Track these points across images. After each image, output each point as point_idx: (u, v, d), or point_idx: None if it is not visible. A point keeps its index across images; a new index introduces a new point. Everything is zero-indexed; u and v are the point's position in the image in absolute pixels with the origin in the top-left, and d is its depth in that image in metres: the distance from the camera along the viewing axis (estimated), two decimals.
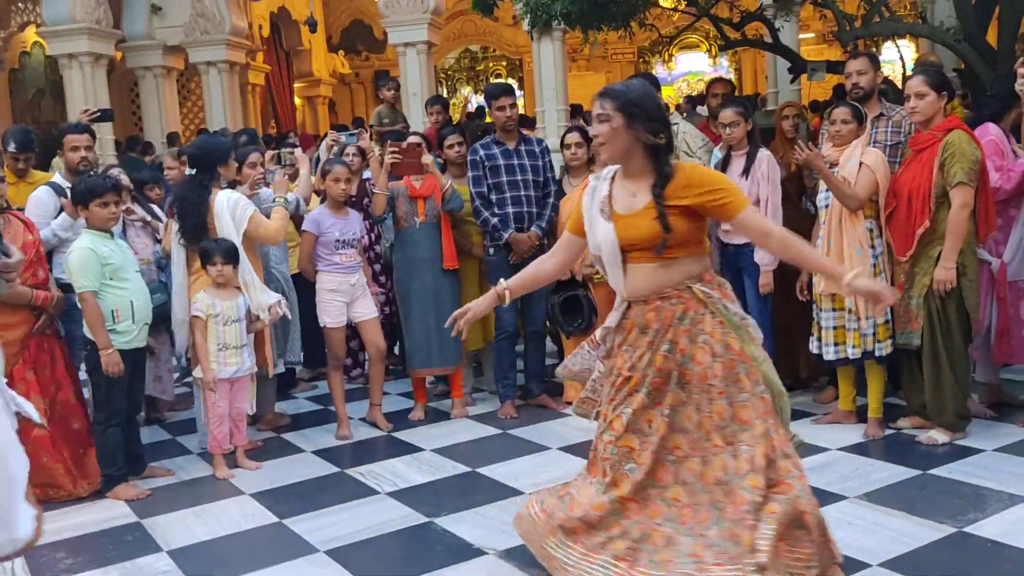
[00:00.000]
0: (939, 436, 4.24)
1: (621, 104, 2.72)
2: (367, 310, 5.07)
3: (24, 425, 4.20)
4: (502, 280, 3.02)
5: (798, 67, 8.18)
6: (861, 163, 4.32)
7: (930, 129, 4.23)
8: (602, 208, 2.79)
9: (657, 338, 2.74)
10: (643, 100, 2.74)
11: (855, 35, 6.74)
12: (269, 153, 5.73)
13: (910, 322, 4.31)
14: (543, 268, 3.07)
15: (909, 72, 5.58)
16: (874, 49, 14.40)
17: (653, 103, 2.77)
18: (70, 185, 4.73)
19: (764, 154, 4.67)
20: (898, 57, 9.47)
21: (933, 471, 3.92)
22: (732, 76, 17.86)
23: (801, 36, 12.27)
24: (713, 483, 2.68)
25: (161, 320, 5.11)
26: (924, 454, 4.15)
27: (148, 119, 12.87)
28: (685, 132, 4.74)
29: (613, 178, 2.85)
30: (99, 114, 5.62)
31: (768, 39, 8.18)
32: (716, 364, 2.71)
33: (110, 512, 4.10)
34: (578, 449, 4.56)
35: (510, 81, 17.85)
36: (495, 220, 5.11)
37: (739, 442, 2.67)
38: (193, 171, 4.66)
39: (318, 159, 6.57)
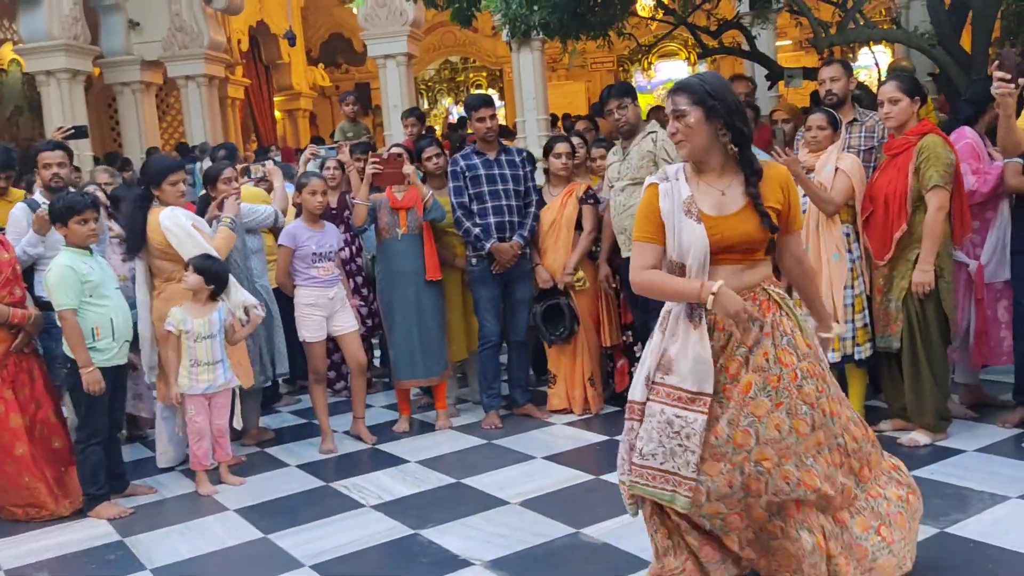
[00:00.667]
0: (920, 438, 4.27)
1: (699, 98, 2.61)
2: (347, 323, 5.05)
3: (7, 444, 4.20)
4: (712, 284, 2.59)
5: (775, 74, 8.25)
6: (837, 168, 4.36)
7: (904, 134, 4.27)
8: (688, 209, 2.62)
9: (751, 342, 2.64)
10: (721, 91, 2.62)
11: (831, 42, 6.80)
12: (239, 167, 5.72)
13: (889, 325, 4.35)
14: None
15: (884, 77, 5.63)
16: (850, 55, 14.54)
17: (731, 94, 2.64)
18: (47, 202, 4.71)
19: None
20: (873, 63, 9.57)
21: (915, 472, 3.91)
22: None
23: (778, 43, 12.38)
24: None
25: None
26: (906, 456, 4.15)
27: (127, 134, 12.80)
28: (664, 139, 4.75)
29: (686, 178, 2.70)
30: (73, 131, 5.60)
31: (745, 47, 8.24)
32: (803, 364, 2.65)
33: (92, 531, 4.06)
34: (563, 458, 4.56)
35: (490, 91, 17.92)
36: (477, 230, 5.11)
37: (835, 436, 2.68)
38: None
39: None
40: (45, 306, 4.40)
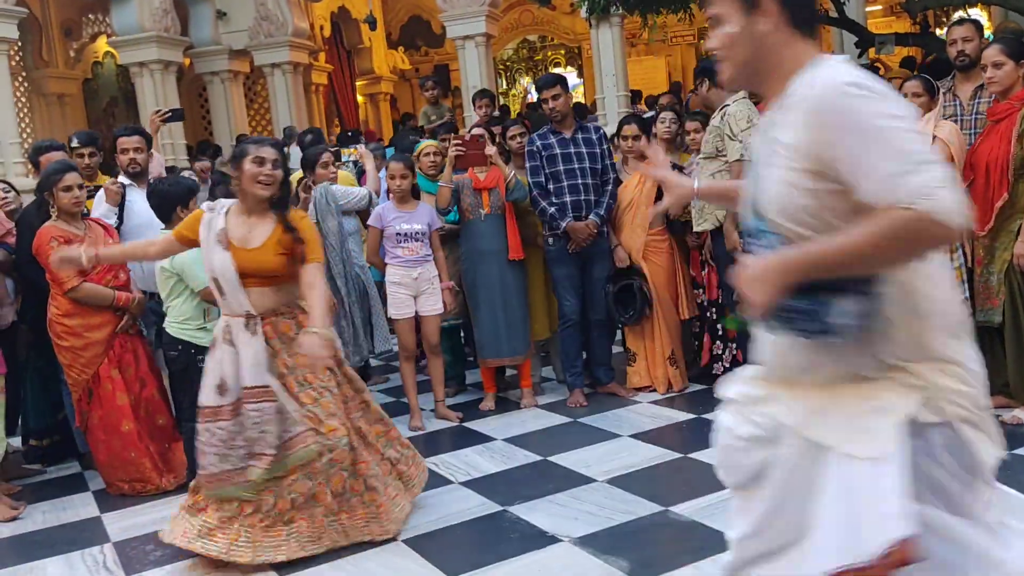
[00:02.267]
0: None
1: None
2: (429, 306, 5.10)
3: (114, 422, 4.39)
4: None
5: (865, 41, 7.96)
6: (935, 136, 4.21)
7: (1009, 99, 4.09)
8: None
9: None
10: None
11: (924, 5, 6.55)
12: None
13: (990, 298, 4.19)
14: None
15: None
16: (944, 19, 13.95)
17: None
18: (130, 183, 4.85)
19: None
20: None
21: (1018, 451, 3.80)
22: None
23: (868, 9, 11.93)
24: None
25: None
26: (1009, 434, 3.96)
27: (217, 123, 13.16)
28: (731, 114, 4.62)
29: None
30: (170, 114, 5.76)
31: (833, 13, 7.98)
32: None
33: None
34: (649, 436, 4.55)
35: (569, 69, 17.79)
36: (552, 209, 5.11)
37: None
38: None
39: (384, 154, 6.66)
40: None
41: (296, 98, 13.21)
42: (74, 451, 5.00)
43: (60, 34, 13.88)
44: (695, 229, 5.12)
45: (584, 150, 5.21)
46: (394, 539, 3.55)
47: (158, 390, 4.56)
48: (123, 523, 4.10)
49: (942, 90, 4.51)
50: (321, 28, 15.16)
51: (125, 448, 4.40)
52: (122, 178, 5.05)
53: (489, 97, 7.53)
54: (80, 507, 4.37)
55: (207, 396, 3.43)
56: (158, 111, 5.77)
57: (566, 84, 5.38)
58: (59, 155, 5.06)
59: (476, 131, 5.34)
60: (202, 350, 3.85)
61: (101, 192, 4.92)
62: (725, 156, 4.73)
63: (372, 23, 14.76)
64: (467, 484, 4.12)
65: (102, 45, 14.16)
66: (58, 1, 13.63)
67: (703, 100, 5.04)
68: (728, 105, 4.72)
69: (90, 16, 14.18)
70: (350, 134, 10.17)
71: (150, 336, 4.79)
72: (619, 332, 5.95)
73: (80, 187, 4.42)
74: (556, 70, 16.85)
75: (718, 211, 4.89)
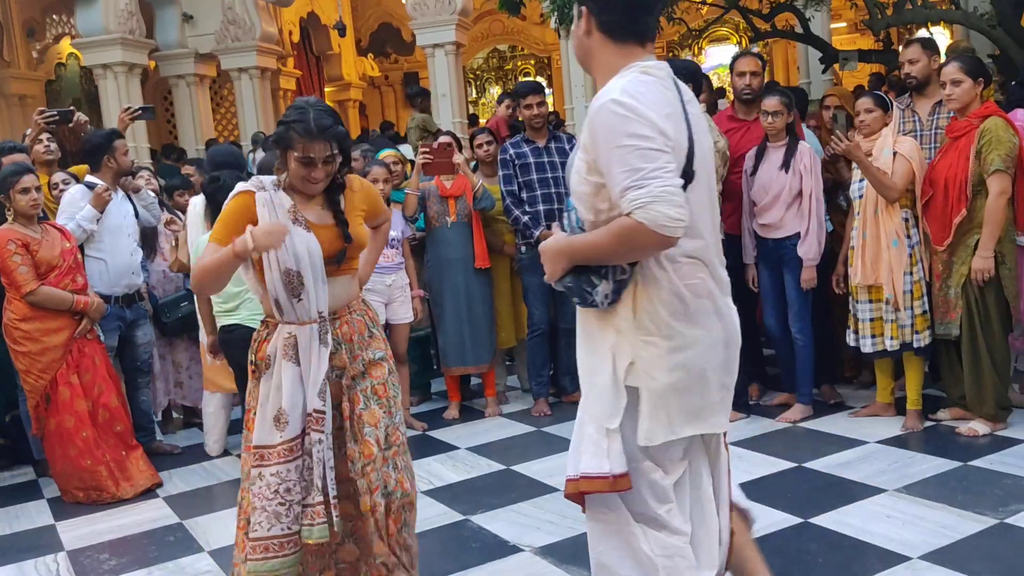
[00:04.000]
0: (980, 427, 4.18)
1: None
2: (400, 315, 5.07)
3: (68, 429, 4.32)
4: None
5: (830, 57, 8.09)
6: (896, 152, 4.27)
7: (967, 116, 4.17)
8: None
9: None
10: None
11: (887, 23, 6.65)
12: None
13: (948, 312, 4.26)
14: None
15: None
16: (906, 36, 14.19)
17: None
18: (101, 183, 4.76)
19: (805, 147, 4.56)
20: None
21: (974, 462, 3.86)
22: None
23: (832, 25, 12.11)
24: None
25: (184, 328, 5.21)
26: (964, 445, 4.09)
27: (182, 126, 13.04)
28: None
29: None
30: (140, 112, 5.64)
31: (799, 29, 8.09)
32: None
33: (152, 514, 4.17)
34: None
35: (539, 79, 17.85)
36: (526, 218, 5.11)
37: None
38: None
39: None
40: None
41: (263, 103, 13.13)
42: (29, 458, 4.91)
43: (23, 34, 13.68)
44: None
45: (558, 159, 5.22)
46: None
47: (116, 396, 4.49)
48: (77, 532, 4.02)
49: (900, 107, 4.58)
50: (290, 33, 15.08)
51: (81, 456, 4.33)
52: (91, 178, 4.92)
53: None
54: (34, 515, 4.29)
55: (263, 433, 2.61)
56: (127, 108, 5.64)
57: (542, 92, 5.41)
58: (22, 157, 4.97)
59: (443, 139, 5.33)
60: None
61: (73, 191, 4.77)
62: None
63: (341, 29, 14.71)
64: (429, 493, 4.10)
65: (66, 46, 13.98)
66: (21, 1, 13.43)
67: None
68: None
69: (54, 17, 14.00)
70: None
71: (112, 343, 4.72)
72: None
73: (37, 189, 4.34)
74: (526, 79, 16.89)
75: None
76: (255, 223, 2.54)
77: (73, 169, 5.30)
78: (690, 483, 2.23)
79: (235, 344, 4.07)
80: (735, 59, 5.11)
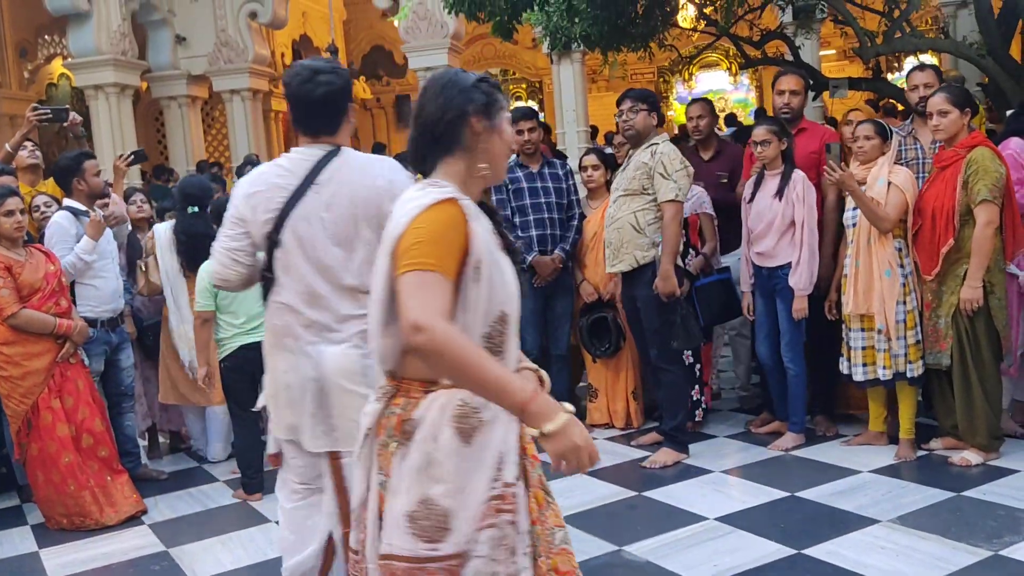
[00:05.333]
0: (972, 457, 4.17)
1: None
2: None
3: (51, 454, 4.26)
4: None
5: (820, 84, 8.13)
6: (890, 183, 4.28)
7: (954, 146, 4.19)
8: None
9: None
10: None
11: (877, 51, 6.69)
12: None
13: (939, 342, 4.25)
14: None
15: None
16: (895, 65, 14.33)
17: None
18: (86, 209, 4.74)
19: (799, 175, 4.55)
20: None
21: (967, 493, 3.85)
22: (752, 95, 17.83)
23: (822, 53, 12.22)
24: None
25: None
26: (957, 475, 4.08)
27: (173, 147, 13.02)
28: (663, 152, 4.52)
29: None
30: (133, 157, 5.66)
31: (789, 57, 8.14)
32: None
33: (137, 541, 4.11)
34: (604, 473, 4.52)
35: (530, 103, 17.93)
36: (518, 243, 5.09)
37: None
38: None
39: None
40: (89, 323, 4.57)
41: (255, 125, 13.13)
42: (12, 483, 4.85)
43: (14, 55, 13.66)
44: (608, 270, 4.85)
45: (551, 184, 5.23)
46: None
47: (100, 421, 4.44)
48: (61, 559, 3.96)
49: (902, 134, 4.59)
50: (282, 55, 15.12)
51: (64, 481, 4.27)
52: (69, 201, 4.84)
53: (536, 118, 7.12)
54: (18, 542, 4.22)
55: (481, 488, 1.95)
56: (121, 156, 5.67)
57: (536, 118, 5.40)
58: (9, 179, 4.93)
59: None
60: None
61: (59, 219, 4.68)
62: (651, 194, 4.51)
63: (334, 52, 14.75)
64: None
65: (57, 67, 13.97)
66: (13, 21, 13.43)
67: (635, 126, 4.60)
68: (657, 144, 4.55)
69: (46, 37, 13.99)
70: None
71: (98, 367, 4.68)
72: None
73: (22, 212, 4.31)
74: (518, 104, 16.94)
75: (637, 251, 4.55)
76: (467, 241, 1.87)
77: (40, 186, 5.26)
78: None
79: (257, 363, 4.08)
80: (777, 77, 5.02)
